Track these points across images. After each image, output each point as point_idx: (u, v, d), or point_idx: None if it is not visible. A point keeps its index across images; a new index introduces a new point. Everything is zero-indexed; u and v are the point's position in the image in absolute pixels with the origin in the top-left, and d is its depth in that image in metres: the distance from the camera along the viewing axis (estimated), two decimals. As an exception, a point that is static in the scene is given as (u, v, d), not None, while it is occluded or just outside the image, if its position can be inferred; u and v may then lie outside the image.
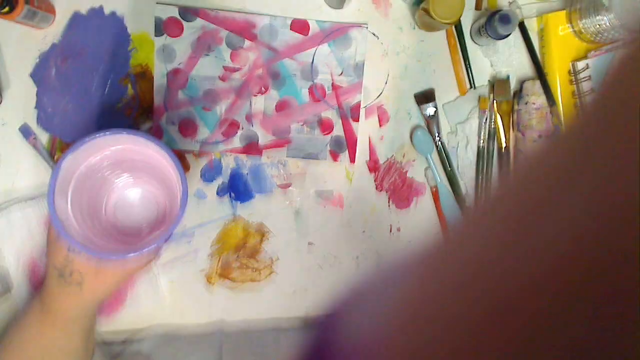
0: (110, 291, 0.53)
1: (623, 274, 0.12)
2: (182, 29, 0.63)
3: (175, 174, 0.51)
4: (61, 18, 0.63)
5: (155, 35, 0.63)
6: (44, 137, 0.64)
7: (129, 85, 0.64)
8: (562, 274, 0.13)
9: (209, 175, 0.66)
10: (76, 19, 0.63)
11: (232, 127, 0.65)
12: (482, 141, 0.66)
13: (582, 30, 0.61)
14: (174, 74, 0.64)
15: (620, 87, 0.14)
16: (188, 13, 0.63)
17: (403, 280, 0.21)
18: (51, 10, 0.62)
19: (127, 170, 0.60)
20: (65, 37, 0.63)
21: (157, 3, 0.63)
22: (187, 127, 0.65)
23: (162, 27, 0.63)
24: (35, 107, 0.63)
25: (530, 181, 0.16)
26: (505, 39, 0.62)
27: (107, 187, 0.60)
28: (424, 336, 0.17)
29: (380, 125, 0.67)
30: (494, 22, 0.59)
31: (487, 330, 0.15)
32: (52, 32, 0.63)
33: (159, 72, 0.64)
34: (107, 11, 0.63)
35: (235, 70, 0.64)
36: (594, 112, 0.15)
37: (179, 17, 0.63)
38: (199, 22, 0.63)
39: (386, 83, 0.66)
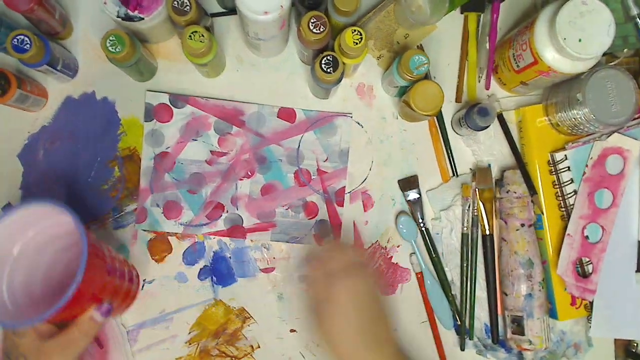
0: None
1: None
2: (172, 115, 0.65)
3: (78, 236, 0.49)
4: (53, 102, 0.64)
5: (145, 121, 0.64)
6: (26, 218, 0.63)
7: (116, 167, 0.65)
8: None
9: (191, 258, 0.65)
10: (68, 103, 0.64)
11: (216, 210, 0.65)
12: (465, 228, 0.66)
13: (559, 123, 0.63)
14: (161, 157, 0.65)
15: None
16: (178, 100, 0.65)
17: None
18: (44, 94, 0.63)
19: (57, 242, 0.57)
20: (56, 120, 0.64)
21: (147, 90, 0.65)
22: (172, 209, 0.65)
23: (152, 113, 0.65)
24: (20, 188, 0.64)
25: None
26: (486, 130, 0.64)
27: (42, 260, 0.57)
28: None
29: (364, 210, 0.67)
30: (473, 115, 0.61)
31: None
32: (43, 115, 0.64)
33: (147, 155, 0.64)
34: (99, 96, 0.65)
35: (222, 154, 0.65)
36: None
37: (169, 103, 0.65)
38: (188, 108, 0.65)
39: (370, 169, 0.67)
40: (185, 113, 0.65)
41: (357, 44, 0.55)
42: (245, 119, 0.66)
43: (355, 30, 0.55)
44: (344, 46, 0.56)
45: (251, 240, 0.66)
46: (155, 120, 0.65)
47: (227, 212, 0.65)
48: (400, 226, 0.66)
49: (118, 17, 0.57)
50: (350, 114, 0.67)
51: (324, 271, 0.52)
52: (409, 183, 0.67)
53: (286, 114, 0.66)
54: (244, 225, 0.66)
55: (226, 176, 0.65)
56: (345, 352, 0.50)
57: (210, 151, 0.65)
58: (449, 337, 0.67)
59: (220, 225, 0.65)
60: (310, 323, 0.53)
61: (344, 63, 0.58)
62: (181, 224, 0.65)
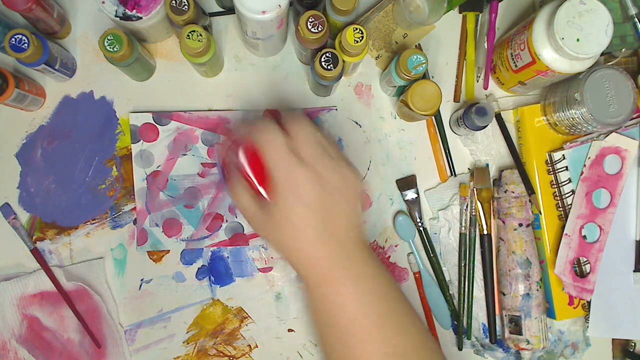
0: None
1: None
2: (158, 133, 0.64)
3: None
4: (51, 101, 0.64)
5: (132, 142, 0.64)
6: (24, 217, 0.63)
7: (114, 167, 0.65)
8: None
9: (189, 257, 0.65)
10: (66, 102, 0.64)
11: (216, 221, 0.65)
12: (463, 227, 0.66)
13: (557, 123, 0.64)
14: (153, 176, 0.64)
15: None
16: (162, 117, 0.64)
17: None
18: (42, 93, 0.63)
19: None
20: (54, 119, 0.64)
21: (130, 112, 0.64)
22: (171, 227, 0.64)
23: (137, 134, 0.64)
24: (18, 187, 0.63)
25: None
26: (484, 129, 0.64)
27: None
28: None
29: (362, 210, 0.67)
30: (471, 114, 0.60)
31: None
32: (41, 114, 0.64)
33: (139, 177, 0.64)
34: (97, 96, 0.65)
35: (213, 165, 0.65)
36: None
37: (153, 122, 0.64)
38: (173, 124, 0.65)
39: (368, 169, 0.67)
40: (171, 129, 0.65)
41: (357, 42, 0.55)
42: (231, 127, 0.65)
43: (356, 29, 0.55)
44: (344, 44, 0.56)
45: (249, 240, 0.66)
46: (142, 140, 0.64)
47: (227, 221, 0.65)
48: (399, 226, 0.66)
49: (116, 16, 0.57)
50: (335, 107, 0.67)
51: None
52: (407, 183, 0.67)
53: (271, 115, 0.66)
54: (245, 232, 0.65)
55: (220, 186, 0.65)
56: (295, 247, 0.46)
57: (201, 163, 0.65)
58: (447, 337, 0.67)
59: (222, 235, 0.65)
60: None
61: (344, 61, 0.58)
62: (183, 240, 0.64)
